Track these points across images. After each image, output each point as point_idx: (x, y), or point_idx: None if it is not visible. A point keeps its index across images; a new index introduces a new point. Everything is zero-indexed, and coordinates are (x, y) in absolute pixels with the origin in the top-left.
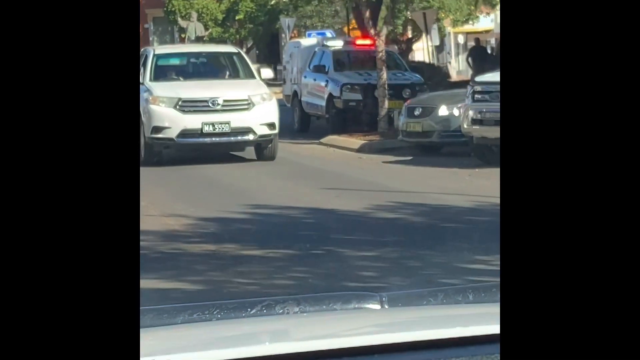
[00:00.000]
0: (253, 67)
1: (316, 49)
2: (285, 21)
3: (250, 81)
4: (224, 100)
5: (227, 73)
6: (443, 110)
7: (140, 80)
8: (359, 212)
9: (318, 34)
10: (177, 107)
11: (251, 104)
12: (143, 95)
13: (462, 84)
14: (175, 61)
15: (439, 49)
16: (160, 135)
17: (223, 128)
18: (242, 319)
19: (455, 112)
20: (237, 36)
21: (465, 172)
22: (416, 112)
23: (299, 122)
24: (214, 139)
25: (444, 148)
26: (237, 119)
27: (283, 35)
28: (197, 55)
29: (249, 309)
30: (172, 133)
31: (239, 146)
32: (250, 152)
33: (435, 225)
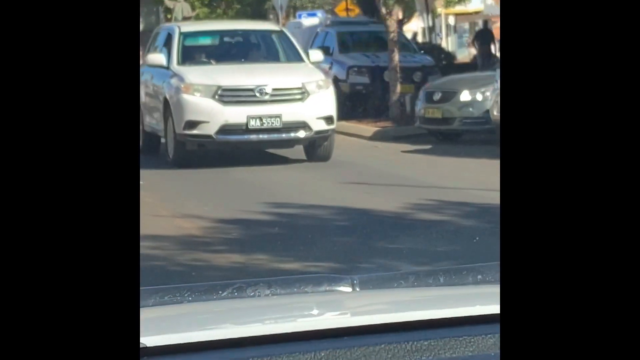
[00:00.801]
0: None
1: (318, 30)
2: (278, 1)
3: (300, 65)
4: (273, 89)
5: (270, 55)
6: (465, 95)
7: (164, 64)
8: (396, 212)
9: (309, 14)
10: (216, 97)
11: (306, 93)
12: (169, 82)
13: (470, 66)
14: (205, 40)
15: (430, 30)
16: (195, 132)
17: (273, 123)
18: (213, 301)
19: (479, 96)
20: (225, 17)
21: (496, 163)
22: (435, 97)
23: None
24: (261, 135)
25: (463, 135)
26: (289, 112)
27: (271, 16)
28: (232, 33)
29: (220, 292)
30: (211, 129)
31: (289, 144)
32: (295, 152)
33: (491, 230)
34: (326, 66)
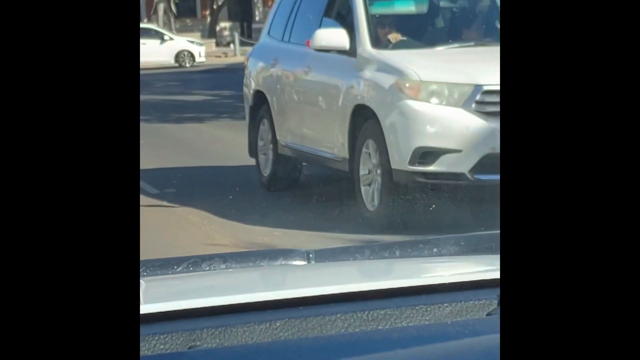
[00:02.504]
0: None
1: None
2: None
3: None
4: None
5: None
6: None
7: (345, 46)
8: None
9: None
10: (473, 105)
11: None
12: (365, 77)
13: None
14: (406, 6)
15: None
16: (432, 168)
17: None
18: (168, 275)
19: None
20: None
21: None
22: None
23: None
24: None
25: None
26: None
27: None
28: None
29: (175, 267)
30: (463, 162)
31: None
32: None
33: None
34: None
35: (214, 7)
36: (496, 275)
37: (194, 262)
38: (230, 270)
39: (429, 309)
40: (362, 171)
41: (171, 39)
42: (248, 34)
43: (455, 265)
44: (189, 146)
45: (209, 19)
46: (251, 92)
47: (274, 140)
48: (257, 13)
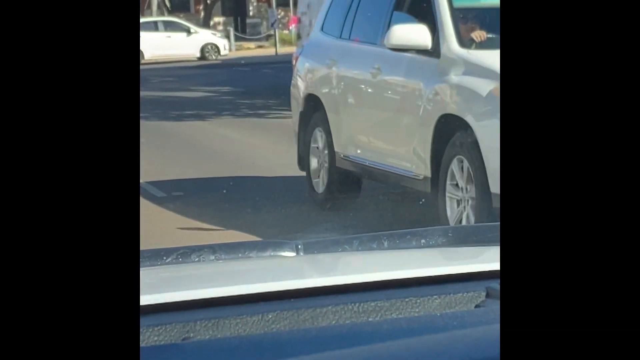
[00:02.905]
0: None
1: None
2: None
3: None
4: None
5: None
6: None
7: (427, 45)
8: None
9: None
10: None
11: None
12: (456, 82)
13: None
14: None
15: None
16: None
17: None
18: (157, 266)
19: None
20: None
21: None
22: None
23: None
24: None
25: None
26: None
27: None
28: None
29: (164, 258)
30: None
31: None
32: None
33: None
34: None
35: (208, 1)
36: (484, 267)
37: (183, 253)
38: (220, 261)
39: (419, 301)
40: (450, 194)
41: (196, 32)
42: (242, 29)
43: (443, 257)
44: (193, 146)
45: (202, 14)
46: (302, 95)
47: (331, 152)
48: (250, 8)
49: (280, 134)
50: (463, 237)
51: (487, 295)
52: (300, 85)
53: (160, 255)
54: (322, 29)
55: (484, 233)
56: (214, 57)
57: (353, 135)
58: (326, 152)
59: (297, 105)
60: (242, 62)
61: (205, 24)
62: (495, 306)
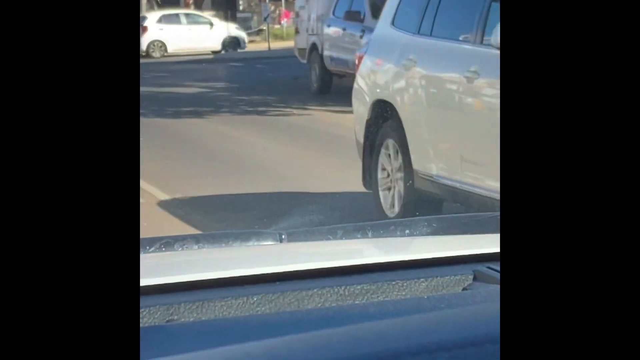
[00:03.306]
0: None
1: None
2: None
3: None
4: None
5: None
6: None
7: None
8: None
9: None
10: None
11: None
12: None
13: None
14: None
15: None
16: None
17: None
18: (141, 255)
19: None
20: None
21: None
22: None
23: (319, 81)
24: None
25: None
26: None
27: None
28: None
29: (147, 247)
30: None
31: None
32: None
33: None
34: (357, 34)
35: None
36: (472, 251)
37: (167, 243)
38: (203, 249)
39: (405, 284)
40: None
41: (215, 25)
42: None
43: (429, 243)
44: (196, 144)
45: (192, 8)
46: (369, 101)
47: (408, 170)
48: (240, 2)
49: (284, 133)
50: (448, 228)
51: (475, 279)
52: (367, 90)
53: (144, 244)
54: (392, 23)
55: (468, 224)
56: (234, 51)
57: (439, 151)
58: (401, 169)
59: (362, 113)
60: (235, 58)
61: None
62: (483, 289)
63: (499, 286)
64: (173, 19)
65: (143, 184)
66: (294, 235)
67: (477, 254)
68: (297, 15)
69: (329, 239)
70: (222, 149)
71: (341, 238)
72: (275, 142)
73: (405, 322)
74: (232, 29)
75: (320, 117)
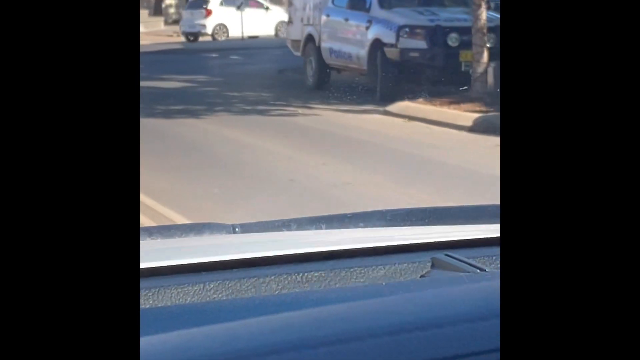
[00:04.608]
0: None
1: None
2: None
3: None
4: None
5: None
6: None
7: None
8: None
9: None
10: None
11: None
12: None
13: None
14: None
15: None
16: None
17: None
18: None
19: None
20: None
21: None
22: None
23: (315, 76)
24: None
25: None
26: None
27: None
28: None
29: None
30: None
31: None
32: None
33: None
34: (363, 25)
35: None
36: (430, 238)
37: None
38: (157, 240)
39: (363, 271)
40: None
41: (270, 9)
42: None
43: (386, 231)
44: (204, 153)
45: None
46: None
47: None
48: None
49: (299, 138)
50: (402, 220)
51: (433, 266)
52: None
53: None
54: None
55: (422, 216)
56: (284, 36)
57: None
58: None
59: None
60: (208, 49)
61: (158, 6)
62: (440, 275)
63: (456, 273)
64: (233, 2)
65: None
66: (248, 227)
67: (435, 242)
68: (291, 3)
69: (283, 230)
70: (239, 160)
71: (296, 230)
72: (296, 149)
73: (365, 305)
74: (284, 14)
75: (330, 117)
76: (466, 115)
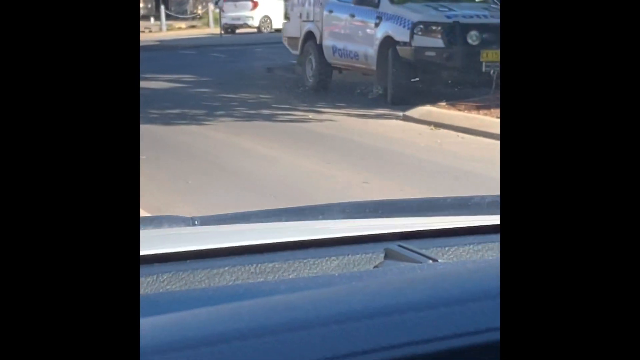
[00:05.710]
0: None
1: None
2: None
3: None
4: None
5: None
6: None
7: None
8: None
9: None
10: None
11: None
12: None
13: None
14: None
15: None
16: None
17: None
18: None
19: None
20: None
21: None
22: None
23: (316, 76)
24: None
25: None
26: None
27: None
28: None
29: None
30: None
31: None
32: None
33: None
34: (372, 22)
35: None
36: (382, 230)
37: None
38: None
39: (317, 262)
40: None
41: None
42: (165, 7)
43: (342, 224)
44: (219, 166)
45: None
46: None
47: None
48: None
49: (322, 149)
50: (359, 212)
51: (386, 257)
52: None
53: None
54: None
55: (379, 208)
56: (266, 31)
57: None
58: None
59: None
60: (186, 46)
61: None
62: (393, 266)
63: (409, 263)
64: None
65: None
66: (206, 219)
67: (388, 233)
68: None
69: (241, 223)
70: (261, 176)
71: (254, 222)
72: (331, 165)
73: (315, 294)
74: None
75: (346, 123)
76: (487, 119)
